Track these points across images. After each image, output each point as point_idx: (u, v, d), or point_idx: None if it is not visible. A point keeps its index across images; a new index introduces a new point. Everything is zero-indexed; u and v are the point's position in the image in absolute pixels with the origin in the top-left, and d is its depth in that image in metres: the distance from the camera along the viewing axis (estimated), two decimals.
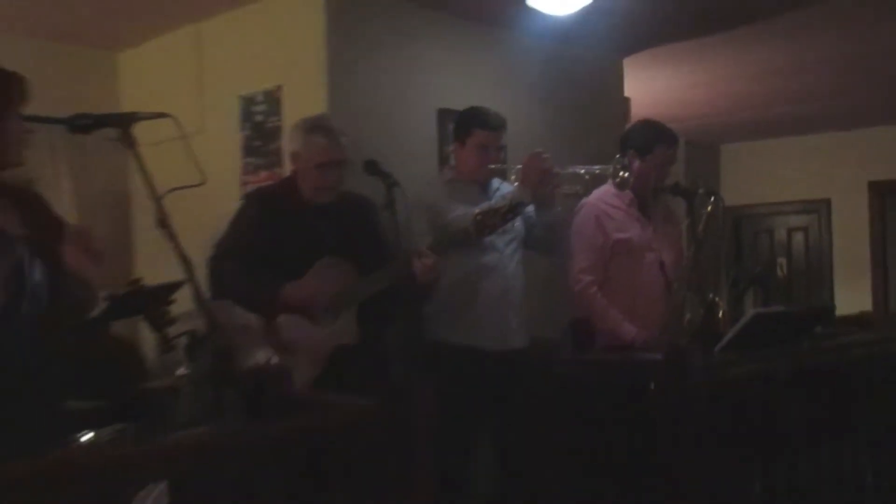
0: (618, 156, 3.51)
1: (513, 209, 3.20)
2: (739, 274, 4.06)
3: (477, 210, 3.20)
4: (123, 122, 2.16)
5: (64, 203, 4.59)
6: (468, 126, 3.61)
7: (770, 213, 9.01)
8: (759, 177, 8.85)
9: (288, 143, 3.43)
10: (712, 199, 3.73)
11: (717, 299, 3.69)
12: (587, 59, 5.19)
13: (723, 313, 3.72)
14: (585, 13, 4.31)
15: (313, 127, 3.27)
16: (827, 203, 8.55)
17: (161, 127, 2.31)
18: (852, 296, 7.94)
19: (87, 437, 2.79)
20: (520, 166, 3.51)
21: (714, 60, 5.81)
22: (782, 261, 8.86)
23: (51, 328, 2.23)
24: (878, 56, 5.70)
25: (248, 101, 4.31)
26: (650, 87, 6.27)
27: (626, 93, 5.70)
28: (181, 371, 3.27)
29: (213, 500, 1.53)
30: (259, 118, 4.25)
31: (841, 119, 7.78)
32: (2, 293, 2.05)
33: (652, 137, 3.76)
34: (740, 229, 9.18)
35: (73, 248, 2.19)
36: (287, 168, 3.65)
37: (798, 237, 8.89)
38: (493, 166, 3.62)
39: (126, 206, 4.84)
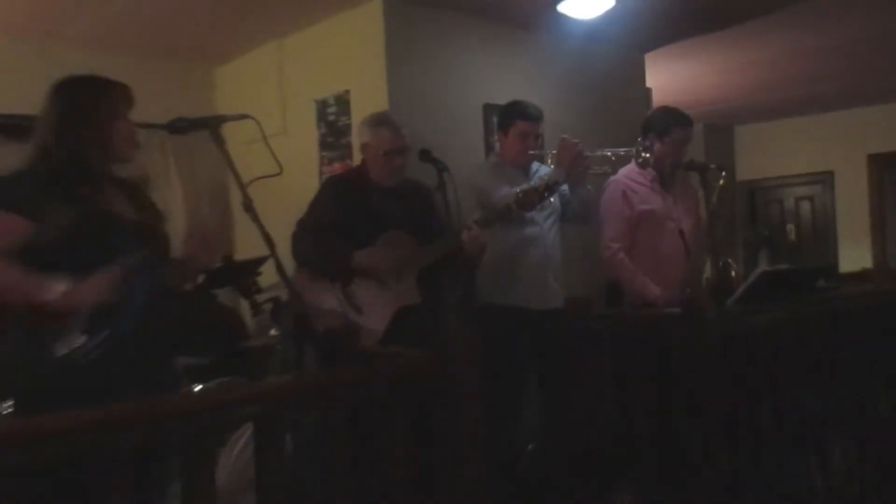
0: (639, 139, 3.46)
1: (549, 188, 3.18)
2: (751, 237, 3.96)
3: (518, 189, 3.19)
4: (213, 124, 2.17)
5: (175, 194, 4.69)
6: (510, 117, 3.59)
7: (779, 184, 8.77)
8: (769, 153, 8.63)
9: (357, 137, 3.39)
10: (723, 173, 3.67)
11: (729, 261, 3.62)
12: (612, 56, 5.08)
13: (735, 273, 3.65)
14: (609, 16, 4.23)
15: (379, 121, 3.27)
16: (830, 174, 8.31)
17: (253, 128, 2.32)
18: (855, 255, 7.75)
19: (197, 389, 2.86)
20: (555, 151, 3.48)
21: (726, 52, 5.66)
22: (791, 226, 8.68)
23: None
24: (874, 43, 5.51)
25: (323, 104, 4.33)
26: (670, 77, 6.14)
27: (648, 84, 5.58)
28: (273, 332, 3.32)
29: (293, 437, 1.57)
30: (332, 118, 4.27)
31: (842, 99, 7.54)
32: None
33: (669, 121, 3.67)
34: (754, 199, 8.96)
35: (195, 240, 2.24)
36: (356, 159, 3.67)
37: (805, 205, 8.65)
38: (532, 151, 3.59)
39: (226, 194, 4.90)
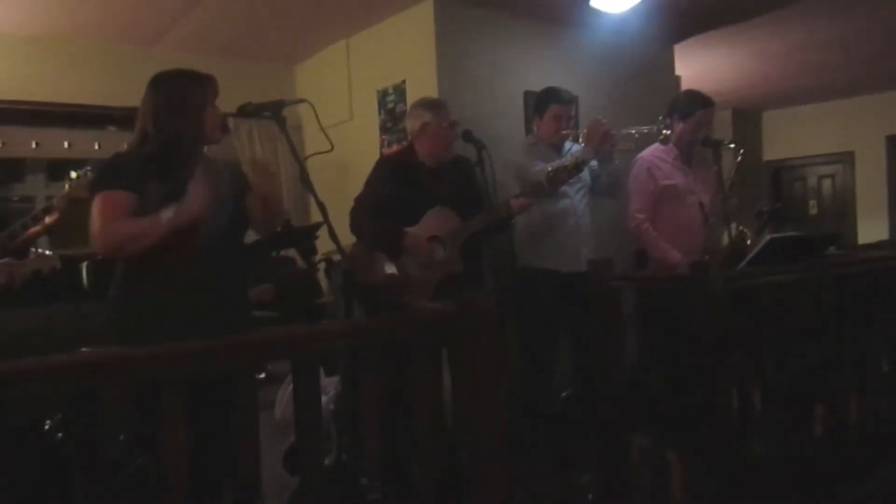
0: (660, 117, 3.36)
1: (577, 166, 3.13)
2: (763, 209, 3.80)
3: (549, 168, 3.13)
4: (274, 108, 2.18)
5: None
6: (545, 101, 3.52)
7: (803, 164, 8.38)
8: (794, 135, 8.26)
9: (413, 120, 3.24)
10: (742, 150, 3.54)
11: (744, 229, 3.48)
12: (642, 47, 4.90)
13: (750, 241, 3.51)
14: (638, 9, 4.09)
15: (434, 103, 3.25)
16: (851, 154, 7.90)
17: (326, 116, 2.30)
18: (872, 228, 7.41)
19: None
20: (585, 130, 3.41)
21: (752, 42, 5.41)
22: (813, 202, 8.32)
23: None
24: (893, 31, 5.18)
25: (383, 94, 4.32)
26: (699, 66, 5.91)
27: (678, 72, 5.37)
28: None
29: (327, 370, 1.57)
30: (390, 105, 4.26)
31: (862, 85, 7.14)
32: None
33: (693, 103, 3.54)
34: (779, 178, 8.61)
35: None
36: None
37: (827, 183, 8.26)
38: (565, 132, 3.52)
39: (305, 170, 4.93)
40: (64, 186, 2.68)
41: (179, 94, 2.17)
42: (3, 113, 4.11)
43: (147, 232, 2.04)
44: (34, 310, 3.67)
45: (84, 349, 2.76)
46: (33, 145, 4.36)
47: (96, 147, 4.45)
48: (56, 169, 4.71)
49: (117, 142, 4.17)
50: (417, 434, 1.62)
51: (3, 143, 4.21)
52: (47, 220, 2.47)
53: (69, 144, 4.44)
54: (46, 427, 2.73)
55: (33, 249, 2.51)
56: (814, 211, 8.29)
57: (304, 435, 1.44)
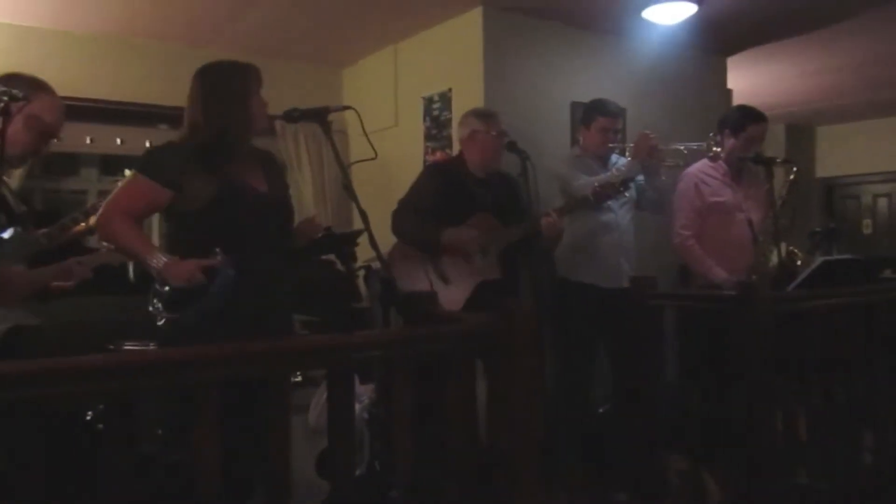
0: (711, 133, 3.29)
1: (624, 182, 3.11)
2: (816, 229, 3.69)
3: (596, 182, 3.11)
4: (320, 114, 2.19)
5: (305, 175, 4.81)
6: (592, 113, 3.48)
7: (858, 182, 8.12)
8: (848, 153, 7.99)
9: (462, 128, 3.27)
10: (794, 168, 3.44)
11: (794, 249, 3.38)
12: (694, 59, 4.81)
13: (801, 261, 3.41)
14: (691, 21, 4.01)
15: (484, 112, 3.27)
16: None
17: (371, 122, 2.30)
18: None
19: None
20: (632, 144, 3.36)
21: (808, 56, 5.26)
22: (868, 221, 8.05)
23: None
24: None
25: (429, 101, 4.32)
26: (752, 80, 5.77)
27: (730, 85, 5.26)
28: None
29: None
30: (436, 113, 4.26)
31: None
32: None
33: (744, 118, 3.46)
34: (832, 196, 8.36)
35: (303, 230, 2.32)
36: (455, 149, 3.65)
37: (882, 202, 7.98)
38: (611, 145, 3.48)
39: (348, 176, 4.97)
40: (117, 183, 2.74)
41: (225, 82, 2.18)
42: None
43: (132, 254, 2.14)
44: (81, 301, 3.76)
45: (126, 345, 2.83)
46: (87, 140, 4.48)
47: (147, 144, 4.55)
48: (108, 164, 4.83)
49: (167, 140, 4.26)
50: (450, 448, 1.61)
51: (59, 138, 4.33)
52: (91, 219, 2.52)
53: (121, 141, 4.55)
54: (88, 417, 2.80)
55: (105, 244, 2.56)
56: (868, 231, 8.02)
57: (337, 443, 1.44)
